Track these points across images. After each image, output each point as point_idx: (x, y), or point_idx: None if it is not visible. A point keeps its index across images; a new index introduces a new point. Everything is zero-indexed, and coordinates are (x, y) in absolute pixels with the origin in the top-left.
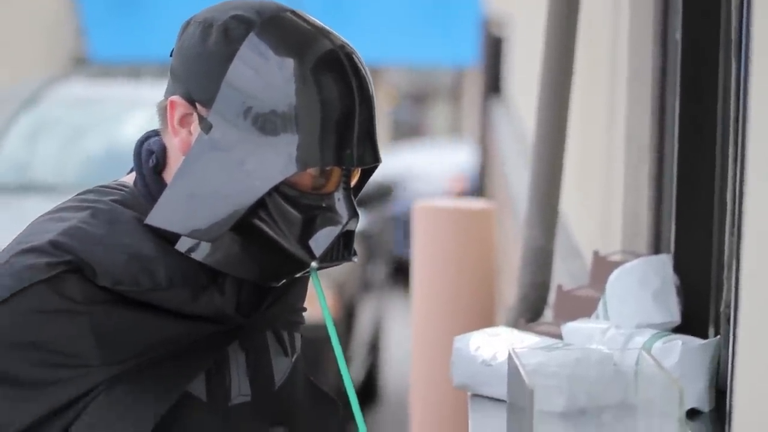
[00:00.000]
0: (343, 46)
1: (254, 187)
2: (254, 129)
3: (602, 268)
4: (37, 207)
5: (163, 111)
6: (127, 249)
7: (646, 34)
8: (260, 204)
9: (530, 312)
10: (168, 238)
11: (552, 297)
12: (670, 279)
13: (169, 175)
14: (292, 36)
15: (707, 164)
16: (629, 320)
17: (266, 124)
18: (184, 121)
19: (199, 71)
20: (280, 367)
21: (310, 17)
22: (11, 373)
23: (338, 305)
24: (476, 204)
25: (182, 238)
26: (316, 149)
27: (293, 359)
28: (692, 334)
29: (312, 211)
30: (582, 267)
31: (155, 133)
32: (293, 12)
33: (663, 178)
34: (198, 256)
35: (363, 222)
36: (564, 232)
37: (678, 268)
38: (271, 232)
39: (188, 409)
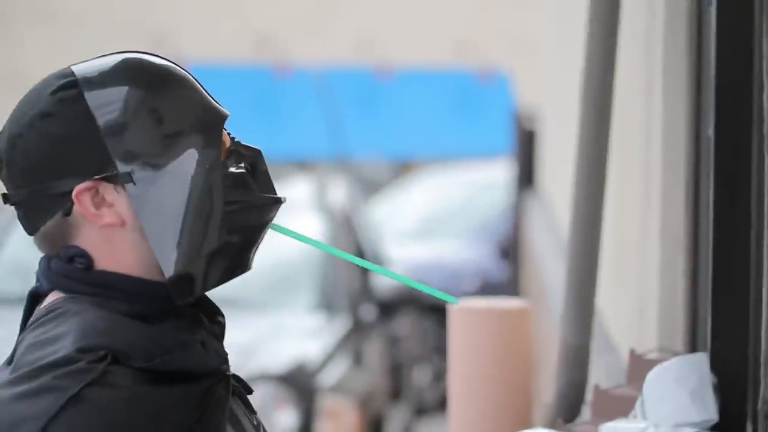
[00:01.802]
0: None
1: (208, 182)
2: (161, 145)
3: (639, 366)
4: None
5: (58, 223)
6: (136, 330)
7: (679, 129)
8: (224, 193)
9: (568, 411)
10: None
11: (589, 395)
12: (707, 377)
13: (102, 265)
14: (113, 67)
15: (742, 260)
16: (667, 419)
17: (165, 136)
18: (95, 201)
19: (73, 151)
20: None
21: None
22: None
23: (362, 421)
24: (511, 303)
25: (174, 293)
26: (212, 116)
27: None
28: None
29: (242, 166)
30: (618, 362)
31: (47, 259)
32: (76, 64)
33: (698, 273)
34: (198, 291)
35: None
36: (600, 327)
37: (714, 365)
38: (245, 206)
39: None
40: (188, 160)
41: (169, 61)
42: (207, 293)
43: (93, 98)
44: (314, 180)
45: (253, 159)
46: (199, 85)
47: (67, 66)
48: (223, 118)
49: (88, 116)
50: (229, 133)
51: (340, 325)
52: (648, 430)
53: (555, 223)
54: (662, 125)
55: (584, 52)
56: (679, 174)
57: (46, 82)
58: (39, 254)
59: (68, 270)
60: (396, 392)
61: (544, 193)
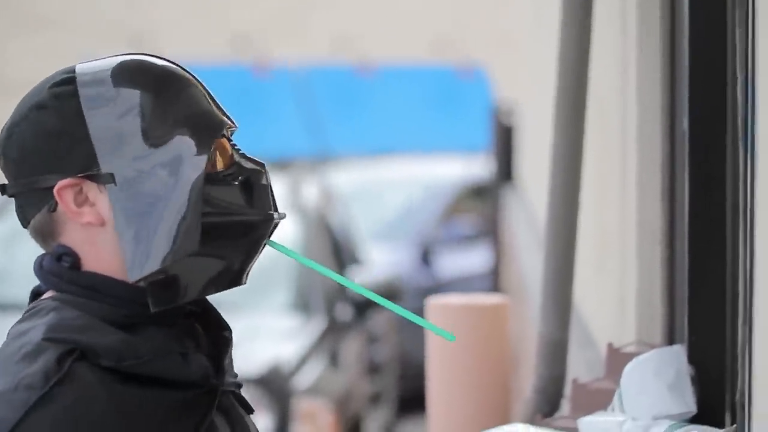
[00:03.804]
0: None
1: (189, 188)
2: (148, 148)
3: (617, 359)
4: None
5: (45, 218)
6: (110, 332)
7: (654, 123)
8: (204, 201)
9: (547, 405)
10: (129, 323)
11: (568, 390)
12: (685, 369)
13: (88, 265)
14: (107, 68)
15: (718, 253)
16: (646, 412)
17: (151, 138)
18: (78, 198)
19: (61, 147)
20: (251, 425)
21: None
22: None
23: (337, 424)
24: (489, 299)
25: (151, 300)
26: (207, 126)
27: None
28: (709, 424)
29: (237, 179)
30: (597, 356)
31: (41, 257)
32: (80, 62)
33: (675, 266)
34: (177, 299)
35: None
36: (579, 322)
37: (692, 357)
38: (227, 218)
39: None
40: (173, 166)
41: (174, 65)
42: (214, 307)
43: (86, 97)
44: (289, 179)
45: (254, 173)
46: (202, 92)
47: (73, 64)
48: (219, 127)
49: (79, 114)
50: (234, 144)
51: (316, 325)
52: (626, 424)
53: (534, 217)
54: (637, 119)
55: (558, 48)
56: (654, 168)
57: (50, 77)
58: (11, 262)
59: (56, 269)
60: (374, 393)
61: (523, 188)
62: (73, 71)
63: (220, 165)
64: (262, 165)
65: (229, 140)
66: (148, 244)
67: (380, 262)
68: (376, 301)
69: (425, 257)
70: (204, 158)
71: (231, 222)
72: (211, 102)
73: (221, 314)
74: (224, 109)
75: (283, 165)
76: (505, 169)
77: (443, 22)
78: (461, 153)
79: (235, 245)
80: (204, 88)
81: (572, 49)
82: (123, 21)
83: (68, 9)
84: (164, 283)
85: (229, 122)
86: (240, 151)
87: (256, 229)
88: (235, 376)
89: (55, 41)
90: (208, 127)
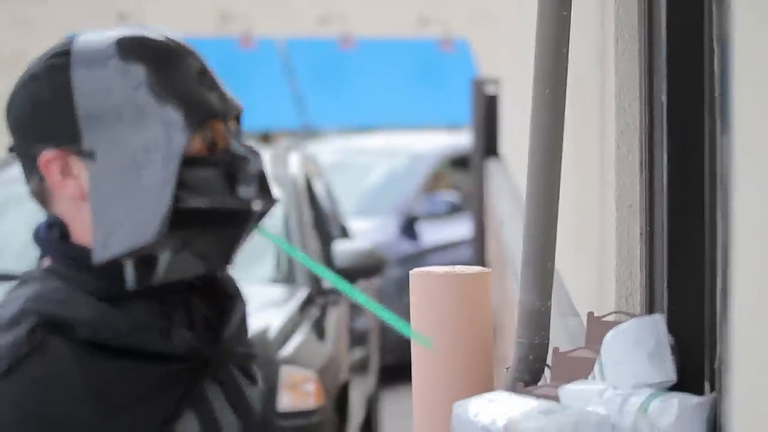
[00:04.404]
0: (136, 28)
1: (165, 170)
2: (131, 126)
3: (598, 328)
4: None
5: (38, 186)
6: (90, 305)
7: (633, 95)
8: (180, 185)
9: (529, 374)
10: (114, 296)
11: (550, 358)
12: (665, 338)
13: (76, 236)
14: (104, 43)
15: (697, 224)
16: (626, 381)
17: (138, 116)
18: (64, 170)
19: (49, 118)
20: (254, 396)
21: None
22: None
23: (322, 393)
24: (471, 269)
25: (128, 276)
26: (194, 107)
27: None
28: (689, 391)
29: (223, 166)
30: (580, 325)
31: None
32: (82, 34)
33: (654, 237)
34: (152, 280)
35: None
36: (561, 290)
37: (671, 326)
38: (204, 203)
39: None
40: (154, 148)
41: (176, 43)
42: (230, 277)
43: (78, 71)
44: (274, 151)
45: (240, 160)
46: (199, 73)
47: (75, 34)
48: (208, 111)
49: (68, 87)
50: (234, 129)
51: (300, 295)
52: (607, 392)
53: (517, 190)
54: (615, 93)
55: (537, 22)
56: (633, 140)
57: (53, 47)
58: None
59: (48, 237)
60: (359, 362)
61: (505, 160)
62: (70, 42)
63: (205, 148)
64: (255, 153)
65: (227, 123)
66: (116, 226)
67: (363, 232)
68: (357, 300)
69: (408, 228)
70: (183, 142)
71: (207, 209)
72: (209, 84)
73: (236, 284)
74: (226, 93)
75: (266, 137)
76: (488, 142)
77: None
78: (444, 125)
79: (210, 231)
80: (205, 68)
81: (551, 23)
82: None
83: None
84: (139, 262)
85: (226, 107)
86: (238, 137)
87: (233, 218)
88: (247, 346)
89: (39, 15)
90: (195, 110)
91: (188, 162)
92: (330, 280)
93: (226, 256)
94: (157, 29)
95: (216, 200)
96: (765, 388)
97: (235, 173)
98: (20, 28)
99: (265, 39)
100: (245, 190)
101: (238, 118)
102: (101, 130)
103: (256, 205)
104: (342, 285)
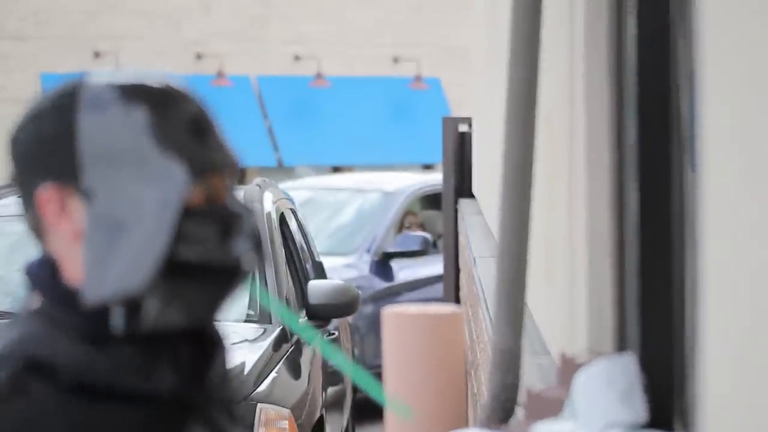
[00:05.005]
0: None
1: (162, 219)
2: (132, 172)
3: (570, 368)
4: None
5: (35, 221)
6: (74, 347)
7: (602, 133)
8: (175, 236)
9: (501, 412)
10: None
11: (523, 397)
12: (636, 378)
13: (68, 275)
14: (111, 86)
15: (666, 262)
16: (597, 420)
17: (140, 164)
18: (61, 208)
19: (51, 152)
20: None
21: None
22: None
23: (296, 430)
24: (443, 308)
25: (115, 320)
26: (196, 162)
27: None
28: (659, 429)
29: (219, 220)
30: (552, 363)
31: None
32: (89, 75)
33: (625, 275)
34: (138, 327)
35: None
36: (533, 328)
37: (643, 365)
38: (197, 256)
39: None
40: (152, 196)
41: (181, 91)
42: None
43: (83, 112)
44: (247, 187)
45: (239, 217)
46: (205, 123)
47: (87, 73)
48: (208, 166)
49: (73, 127)
50: (228, 183)
51: (275, 333)
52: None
53: (488, 227)
54: (585, 132)
55: (508, 61)
56: (603, 179)
57: (59, 85)
58: None
59: (40, 273)
60: (334, 398)
61: (477, 197)
62: (80, 82)
63: (201, 198)
64: (249, 211)
65: (226, 178)
66: (107, 270)
67: (335, 269)
68: (337, 363)
69: (383, 265)
70: (182, 194)
71: (200, 262)
72: (211, 135)
73: (219, 331)
74: (227, 145)
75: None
76: (460, 179)
77: (398, 38)
78: (418, 164)
79: (201, 285)
80: (209, 118)
81: (521, 63)
82: (86, 33)
83: (29, 23)
84: (128, 308)
85: (226, 160)
86: (232, 193)
87: (224, 273)
88: (231, 391)
89: (15, 52)
90: (197, 162)
91: (185, 213)
92: (315, 343)
93: (214, 311)
94: (162, 75)
95: (209, 254)
96: (735, 426)
97: (230, 229)
98: None
99: (239, 76)
100: (238, 247)
101: (234, 173)
102: (102, 172)
103: (248, 264)
104: (327, 349)
